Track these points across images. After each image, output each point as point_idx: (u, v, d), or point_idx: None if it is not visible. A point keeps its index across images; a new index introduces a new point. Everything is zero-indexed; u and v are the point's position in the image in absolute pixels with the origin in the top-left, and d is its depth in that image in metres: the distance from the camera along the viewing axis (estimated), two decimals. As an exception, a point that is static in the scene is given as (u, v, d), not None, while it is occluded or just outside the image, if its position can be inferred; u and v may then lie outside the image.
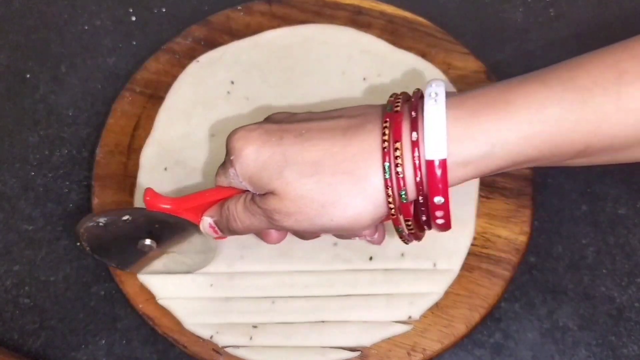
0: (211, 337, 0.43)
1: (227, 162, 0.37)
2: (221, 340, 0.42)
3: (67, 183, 0.50)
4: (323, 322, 0.43)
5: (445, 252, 0.44)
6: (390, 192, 0.33)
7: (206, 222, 0.40)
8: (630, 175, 0.48)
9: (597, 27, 0.54)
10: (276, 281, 0.44)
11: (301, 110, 0.49)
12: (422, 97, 0.34)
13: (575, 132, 0.32)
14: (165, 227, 0.40)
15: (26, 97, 0.53)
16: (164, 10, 0.56)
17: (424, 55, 0.51)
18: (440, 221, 0.34)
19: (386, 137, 0.33)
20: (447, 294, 0.43)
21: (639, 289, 0.45)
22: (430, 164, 0.32)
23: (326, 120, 0.36)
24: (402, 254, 0.44)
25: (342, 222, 0.34)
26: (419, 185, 0.33)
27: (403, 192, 0.33)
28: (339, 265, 0.44)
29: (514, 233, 0.45)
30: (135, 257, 0.42)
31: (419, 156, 0.32)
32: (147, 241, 0.41)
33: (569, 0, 0.56)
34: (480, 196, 0.46)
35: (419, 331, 0.42)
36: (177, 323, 0.43)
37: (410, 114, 0.33)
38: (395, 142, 0.32)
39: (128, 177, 0.48)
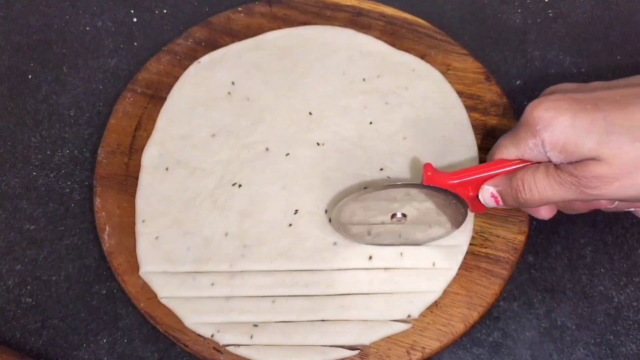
0: (212, 335, 0.43)
1: (524, 133, 0.37)
2: (222, 339, 0.43)
3: (69, 183, 0.50)
4: (323, 321, 0.43)
5: (444, 251, 0.44)
6: None
7: (487, 191, 0.39)
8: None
9: (596, 28, 0.55)
10: (277, 280, 0.44)
11: (300, 113, 0.49)
12: None
13: None
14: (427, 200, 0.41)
15: (28, 98, 0.53)
16: (165, 11, 0.57)
17: (423, 56, 0.51)
18: None
19: None
20: (446, 293, 0.43)
21: (636, 288, 0.45)
22: None
23: (635, 87, 0.36)
24: (401, 254, 0.44)
25: None
26: None
27: None
28: (339, 264, 0.44)
29: (512, 232, 0.45)
30: (382, 230, 0.43)
31: None
32: (399, 214, 0.42)
33: (567, 1, 0.56)
34: (479, 196, 0.46)
35: (418, 330, 0.43)
36: (179, 322, 0.43)
37: None
38: None
39: (129, 177, 0.48)
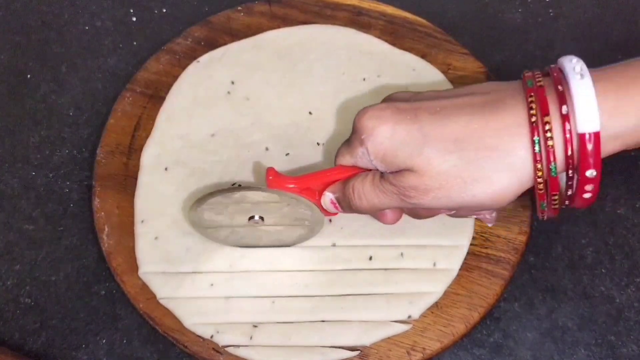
0: (211, 336, 0.43)
1: (354, 142, 0.37)
2: (221, 339, 0.42)
3: (68, 183, 0.50)
4: (323, 321, 0.43)
5: (444, 251, 0.44)
6: (539, 167, 0.33)
7: (327, 197, 0.40)
8: (629, 176, 0.48)
9: (597, 28, 0.55)
10: (276, 281, 0.44)
11: (300, 113, 0.49)
12: (562, 71, 0.34)
13: None
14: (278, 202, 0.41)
15: (27, 98, 0.53)
16: (164, 10, 0.57)
17: (423, 55, 0.51)
18: (587, 195, 0.34)
19: (534, 112, 0.33)
20: (446, 293, 0.43)
21: (638, 288, 0.45)
22: (582, 137, 0.32)
23: (458, 97, 0.36)
24: (402, 254, 0.44)
25: (484, 199, 0.34)
26: (569, 159, 0.33)
27: (553, 166, 0.33)
28: (339, 265, 0.44)
29: (513, 233, 0.45)
30: (242, 232, 0.43)
31: (570, 129, 0.32)
32: (256, 217, 0.41)
33: (568, 0, 0.56)
34: (479, 196, 0.46)
35: (418, 330, 0.42)
36: (178, 322, 0.43)
37: (556, 88, 0.33)
38: (544, 115, 0.33)
39: (129, 177, 0.48)
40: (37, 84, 0.54)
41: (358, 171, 0.39)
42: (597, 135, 0.32)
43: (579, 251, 0.46)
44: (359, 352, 0.42)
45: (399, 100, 0.38)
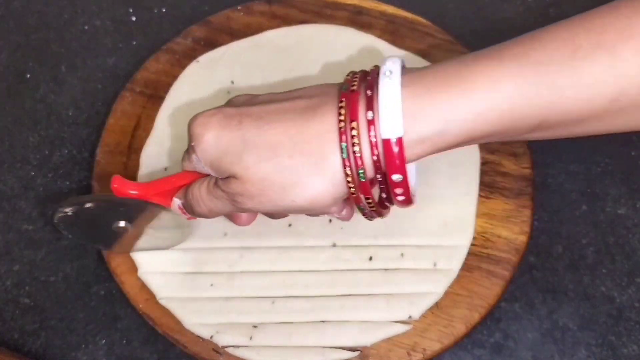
0: (211, 337, 0.43)
1: (190, 148, 0.38)
2: (221, 340, 0.42)
3: (67, 183, 0.50)
4: (323, 322, 0.43)
5: (445, 252, 0.44)
6: (348, 172, 0.33)
7: (175, 204, 0.41)
8: (630, 176, 0.48)
9: (597, 27, 0.54)
10: (276, 281, 0.44)
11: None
12: (378, 74, 0.34)
13: (530, 108, 0.32)
14: (138, 208, 0.41)
15: (26, 97, 0.53)
16: (164, 10, 0.57)
17: (424, 55, 0.51)
18: (400, 198, 0.35)
19: (342, 117, 0.33)
20: (447, 294, 0.43)
21: (638, 289, 0.45)
22: (386, 142, 0.32)
23: (285, 101, 0.36)
24: (402, 254, 0.44)
25: (303, 203, 0.35)
26: (376, 163, 0.33)
27: (361, 171, 0.33)
28: (339, 265, 0.44)
29: (513, 233, 0.45)
30: (115, 238, 0.43)
31: (375, 135, 0.33)
32: (122, 223, 0.41)
33: (568, 0, 0.56)
34: (480, 196, 0.46)
35: (418, 331, 0.42)
36: (177, 323, 0.43)
37: (366, 93, 0.34)
38: (352, 121, 0.33)
39: (128, 177, 0.47)
40: (36, 83, 0.54)
41: (200, 176, 0.39)
42: (399, 141, 0.32)
43: (579, 251, 0.46)
44: (359, 352, 0.42)
45: (232, 105, 0.38)
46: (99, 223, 0.42)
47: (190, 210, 0.40)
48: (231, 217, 0.42)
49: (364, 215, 0.37)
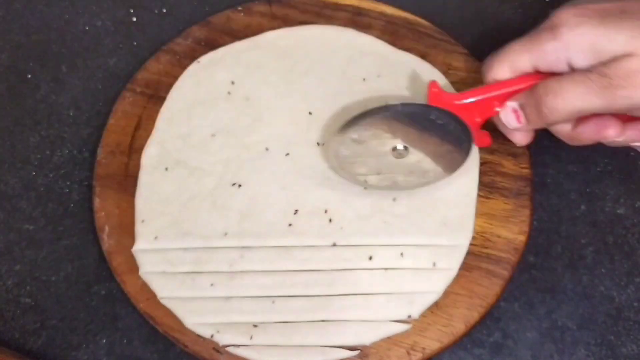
0: (212, 336, 0.43)
1: (543, 38, 0.35)
2: (222, 339, 0.43)
3: (68, 183, 0.50)
4: (323, 321, 0.43)
5: (444, 251, 0.44)
6: None
7: (509, 107, 0.37)
8: (629, 175, 0.48)
9: (596, 28, 0.55)
10: (276, 280, 0.44)
11: (300, 113, 0.49)
12: None
13: None
14: (415, 128, 0.38)
15: (27, 98, 0.53)
16: (164, 10, 0.57)
17: (423, 56, 0.51)
18: None
19: None
20: (446, 293, 0.43)
21: (637, 288, 0.45)
22: None
23: None
24: (402, 254, 0.44)
25: None
26: None
27: None
28: (339, 264, 0.44)
29: (513, 233, 0.45)
30: (385, 167, 0.40)
31: None
32: (399, 145, 0.39)
33: (567, 1, 0.56)
34: (479, 196, 0.46)
35: (418, 330, 0.42)
36: (178, 322, 0.43)
37: None
38: None
39: (129, 177, 0.48)
40: (37, 84, 0.54)
41: (539, 78, 0.36)
42: None
43: (578, 251, 0.46)
44: (358, 351, 0.42)
45: (592, 1, 0.36)
46: (378, 146, 0.38)
47: (534, 110, 0.36)
48: (595, 130, 0.37)
49: None
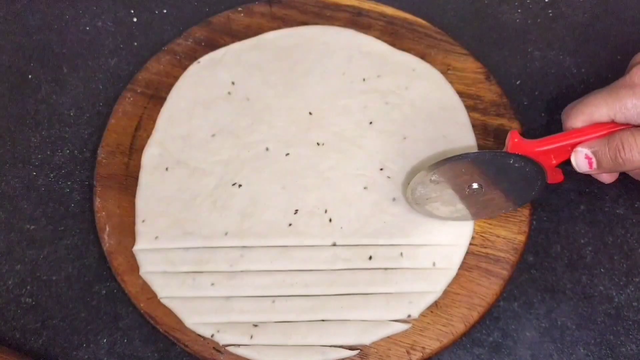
0: (212, 335, 0.43)
1: (623, 93, 0.38)
2: (222, 339, 0.43)
3: (69, 183, 0.50)
4: (323, 321, 0.43)
5: (444, 251, 0.44)
6: None
7: (582, 153, 0.41)
8: (628, 176, 0.48)
9: (596, 28, 0.55)
10: (276, 280, 0.44)
11: (300, 113, 0.49)
12: None
13: None
14: (491, 171, 0.41)
15: (28, 98, 0.53)
16: (165, 11, 0.57)
17: (423, 56, 0.51)
18: None
19: None
20: (446, 293, 0.43)
21: (637, 288, 0.45)
22: None
23: None
24: (401, 254, 0.44)
25: None
26: None
27: None
28: (339, 264, 0.44)
29: (512, 232, 0.45)
30: (457, 202, 0.43)
31: None
32: (475, 185, 0.42)
33: (567, 1, 0.56)
34: (479, 196, 0.46)
35: (418, 330, 0.43)
36: (179, 322, 0.43)
37: None
38: None
39: (130, 177, 0.48)
40: (38, 84, 0.54)
41: (615, 127, 0.39)
42: None
43: (578, 251, 0.46)
44: (358, 351, 0.42)
45: None
46: (455, 186, 0.42)
47: (608, 158, 0.40)
48: (599, 175, 0.43)
49: None
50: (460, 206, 0.43)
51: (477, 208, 0.44)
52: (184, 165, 0.48)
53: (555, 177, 0.42)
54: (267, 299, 0.44)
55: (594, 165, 0.41)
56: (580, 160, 0.41)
